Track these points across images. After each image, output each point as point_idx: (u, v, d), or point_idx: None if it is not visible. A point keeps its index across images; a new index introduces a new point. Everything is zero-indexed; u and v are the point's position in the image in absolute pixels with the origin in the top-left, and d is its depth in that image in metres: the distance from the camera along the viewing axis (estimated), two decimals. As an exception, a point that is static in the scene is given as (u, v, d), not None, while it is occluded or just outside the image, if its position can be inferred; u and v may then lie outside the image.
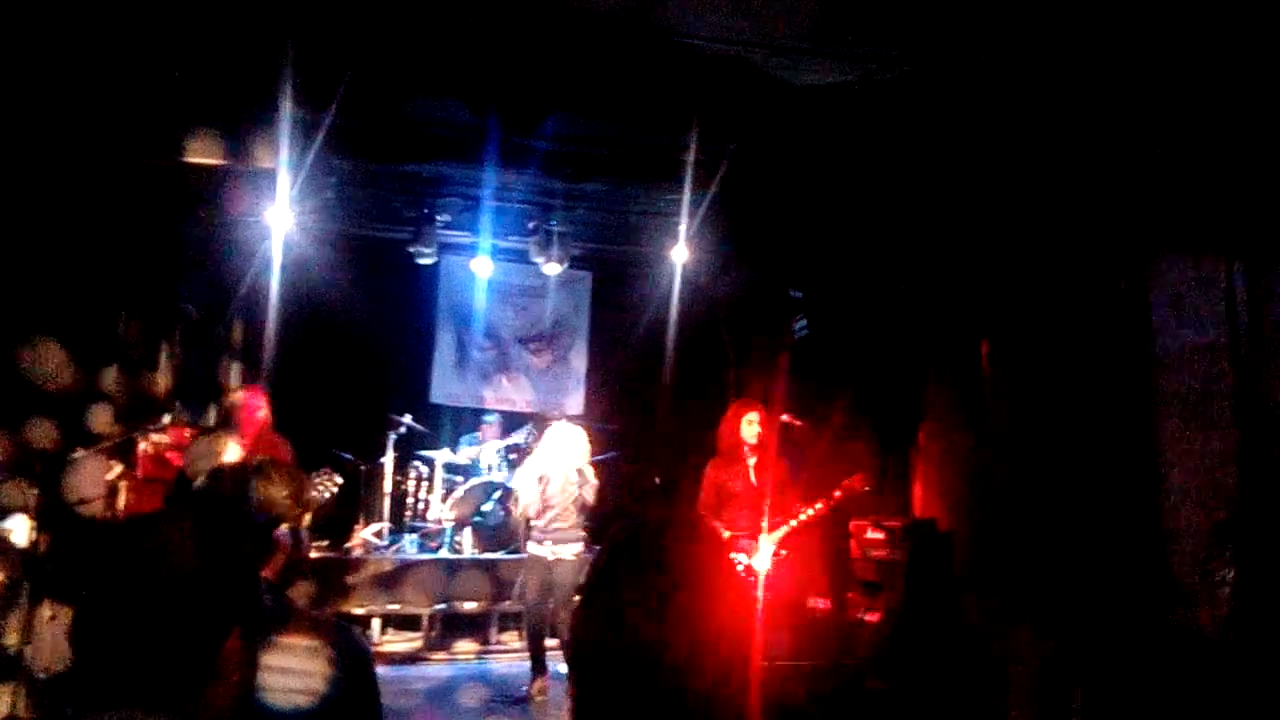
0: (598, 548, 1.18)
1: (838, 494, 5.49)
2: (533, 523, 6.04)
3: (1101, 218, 4.65)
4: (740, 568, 5.31)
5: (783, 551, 5.52)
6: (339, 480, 4.45)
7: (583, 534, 5.99)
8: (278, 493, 1.82)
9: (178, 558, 1.10)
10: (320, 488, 4.13)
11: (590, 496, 5.96)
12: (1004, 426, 5.21)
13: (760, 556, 5.45)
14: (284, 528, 1.81)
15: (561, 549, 5.90)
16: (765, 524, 5.47)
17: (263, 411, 5.19)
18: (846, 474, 5.56)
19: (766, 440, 5.68)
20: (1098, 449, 4.49)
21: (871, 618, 5.84)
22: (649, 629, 1.00)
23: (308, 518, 1.92)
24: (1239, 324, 3.93)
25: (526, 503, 6.03)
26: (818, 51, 5.21)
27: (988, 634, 5.12)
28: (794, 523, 5.50)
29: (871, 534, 6.03)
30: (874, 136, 5.99)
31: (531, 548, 6.04)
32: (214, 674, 1.11)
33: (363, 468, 8.37)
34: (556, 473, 5.95)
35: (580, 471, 5.94)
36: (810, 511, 5.48)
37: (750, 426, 5.68)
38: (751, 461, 5.67)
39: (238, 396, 5.30)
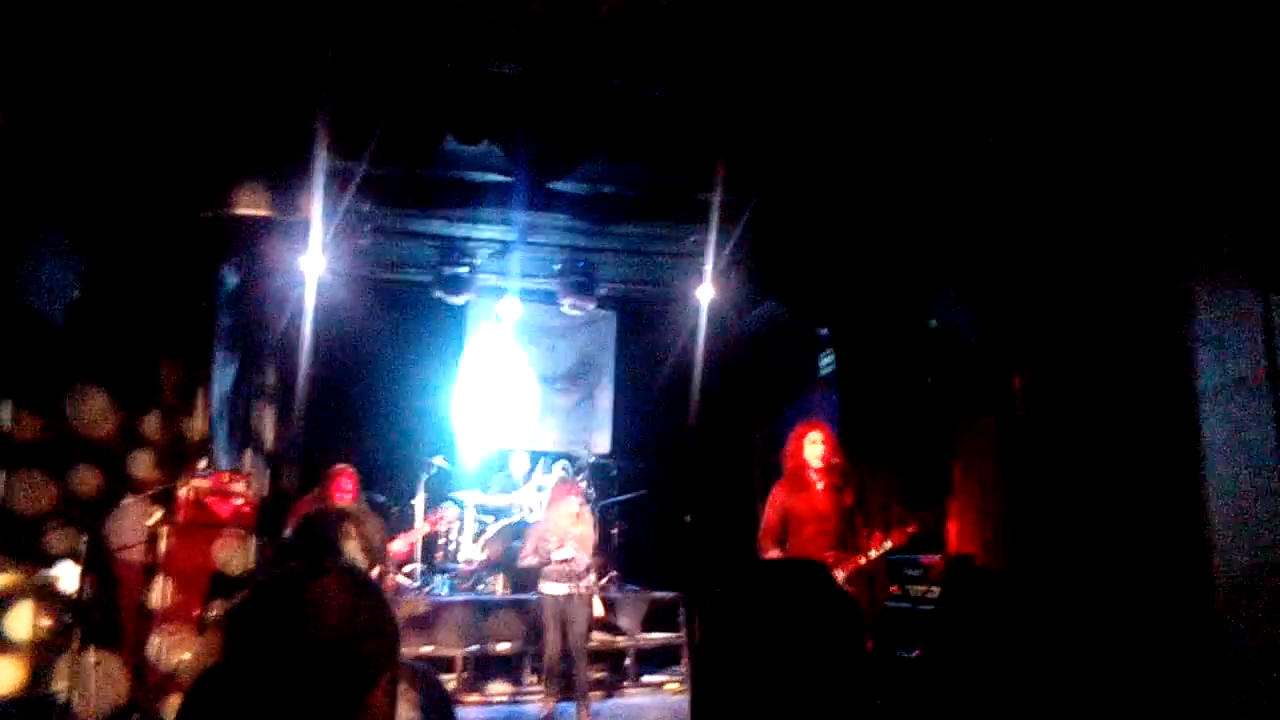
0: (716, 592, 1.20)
1: (910, 529, 5.21)
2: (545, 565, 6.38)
3: (1137, 252, 4.67)
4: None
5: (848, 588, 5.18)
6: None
7: (591, 569, 6.36)
8: (368, 543, 1.87)
9: (334, 612, 1.13)
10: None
11: (589, 533, 6.48)
12: (1039, 463, 5.20)
13: None
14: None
15: (576, 585, 6.23)
16: (834, 556, 5.17)
17: (348, 495, 6.06)
18: (886, 512, 5.47)
19: (833, 461, 5.34)
20: (1137, 485, 4.49)
21: (914, 653, 5.79)
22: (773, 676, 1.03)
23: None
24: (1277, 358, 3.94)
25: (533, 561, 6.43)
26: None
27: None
28: (867, 558, 5.18)
29: (909, 570, 5.99)
30: (903, 172, 6.06)
31: (545, 587, 6.30)
32: None
33: (394, 509, 8.41)
34: (557, 525, 6.35)
35: (577, 515, 6.39)
36: (886, 546, 5.17)
37: (813, 447, 5.36)
38: (820, 485, 5.35)
39: (331, 470, 6.27)
